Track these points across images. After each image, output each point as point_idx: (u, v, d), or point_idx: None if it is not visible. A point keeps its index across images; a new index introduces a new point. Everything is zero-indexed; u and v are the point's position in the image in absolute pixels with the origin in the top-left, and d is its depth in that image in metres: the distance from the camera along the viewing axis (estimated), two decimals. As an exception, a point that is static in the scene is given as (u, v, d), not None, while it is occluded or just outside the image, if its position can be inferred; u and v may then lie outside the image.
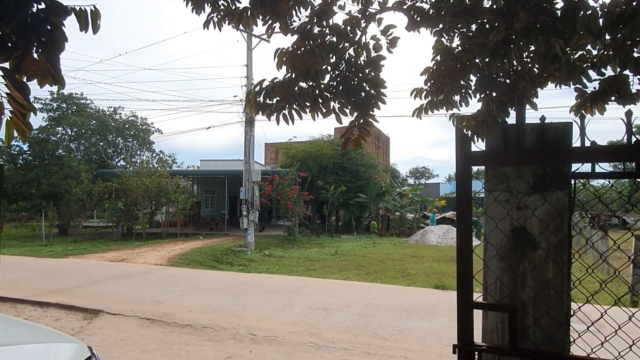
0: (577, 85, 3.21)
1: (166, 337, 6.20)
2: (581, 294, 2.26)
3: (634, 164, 2.04)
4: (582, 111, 3.47)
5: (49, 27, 1.83)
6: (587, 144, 2.07)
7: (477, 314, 2.16)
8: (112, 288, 9.56)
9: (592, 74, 3.16)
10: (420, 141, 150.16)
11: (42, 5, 1.77)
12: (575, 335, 2.22)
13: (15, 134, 1.96)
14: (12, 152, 28.79)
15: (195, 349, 5.77)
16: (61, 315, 7.49)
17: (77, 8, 1.83)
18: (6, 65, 1.85)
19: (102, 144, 32.55)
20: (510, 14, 2.25)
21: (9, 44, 1.77)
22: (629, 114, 2.02)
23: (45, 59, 1.86)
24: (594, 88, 3.31)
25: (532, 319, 2.16)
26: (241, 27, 3.22)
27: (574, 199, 2.21)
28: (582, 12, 2.32)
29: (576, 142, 2.11)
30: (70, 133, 31.24)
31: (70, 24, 2.05)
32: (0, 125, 1.93)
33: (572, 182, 2.17)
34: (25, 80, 1.89)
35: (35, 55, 1.86)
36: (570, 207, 2.15)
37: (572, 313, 2.18)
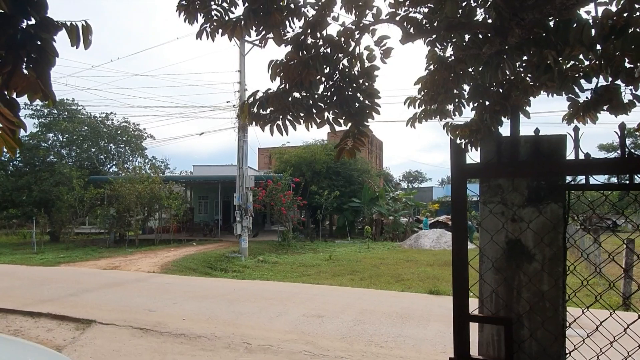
0: (570, 95, 3.23)
1: (160, 347, 6.14)
2: (577, 302, 2.26)
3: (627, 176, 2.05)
4: (575, 121, 3.49)
5: (39, 43, 1.80)
6: (581, 155, 2.09)
7: (473, 326, 2.15)
8: (105, 297, 9.47)
9: (584, 83, 3.18)
10: (413, 145, 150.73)
11: (32, 21, 1.75)
12: (571, 347, 2.22)
13: (5, 150, 1.94)
14: (3, 159, 28.49)
15: (189, 358, 5.71)
16: (53, 326, 7.39)
17: (68, 23, 1.80)
18: (-5, 81, 1.83)
19: (93, 150, 32.30)
20: (504, 30, 2.26)
21: (-2, 60, 1.74)
22: (622, 127, 2.02)
23: (35, 74, 1.83)
24: (587, 97, 3.34)
25: (528, 332, 2.15)
26: (234, 37, 3.20)
27: (569, 211, 2.21)
28: (575, 24, 2.33)
29: (570, 154, 2.12)
30: (61, 139, 30.97)
31: (61, 32, 2.02)
32: (-11, 141, 1.90)
33: (567, 194, 2.18)
34: (15, 96, 1.87)
35: (25, 71, 1.84)
36: (565, 219, 2.16)
37: (567, 325, 2.18)
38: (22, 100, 2.01)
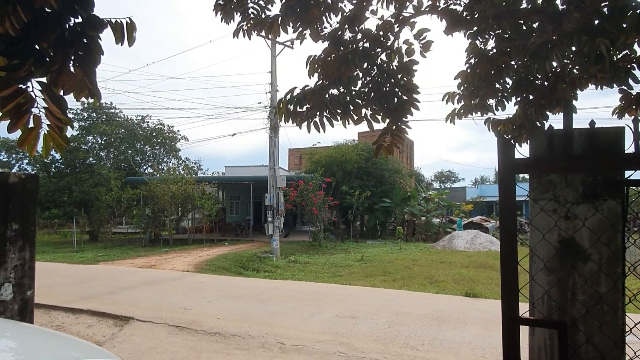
0: (622, 87, 3.06)
1: (195, 345, 6.21)
2: (638, 306, 2.12)
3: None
4: (627, 114, 3.31)
5: (85, 41, 1.82)
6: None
7: (523, 329, 2.05)
8: (142, 294, 9.69)
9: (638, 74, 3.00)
10: (444, 144, 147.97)
11: (79, 19, 1.77)
12: (632, 353, 2.08)
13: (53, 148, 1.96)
14: (45, 160, 29.69)
15: (223, 357, 5.75)
16: (93, 322, 7.61)
17: (113, 21, 1.82)
18: (43, 79, 1.86)
19: (130, 152, 33.26)
20: (559, 15, 2.14)
21: (47, 59, 1.76)
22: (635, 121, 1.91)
23: (82, 72, 1.85)
24: (640, 89, 3.15)
25: (584, 336, 2.04)
26: (270, 35, 3.19)
27: (627, 207, 2.08)
28: (631, 11, 2.19)
29: (629, 147, 2.00)
30: (100, 142, 32.05)
31: (103, 37, 2.05)
32: (38, 138, 1.94)
33: (626, 189, 2.05)
34: (62, 93, 1.89)
35: (72, 69, 1.86)
36: (624, 216, 2.03)
37: (627, 330, 2.04)
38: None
